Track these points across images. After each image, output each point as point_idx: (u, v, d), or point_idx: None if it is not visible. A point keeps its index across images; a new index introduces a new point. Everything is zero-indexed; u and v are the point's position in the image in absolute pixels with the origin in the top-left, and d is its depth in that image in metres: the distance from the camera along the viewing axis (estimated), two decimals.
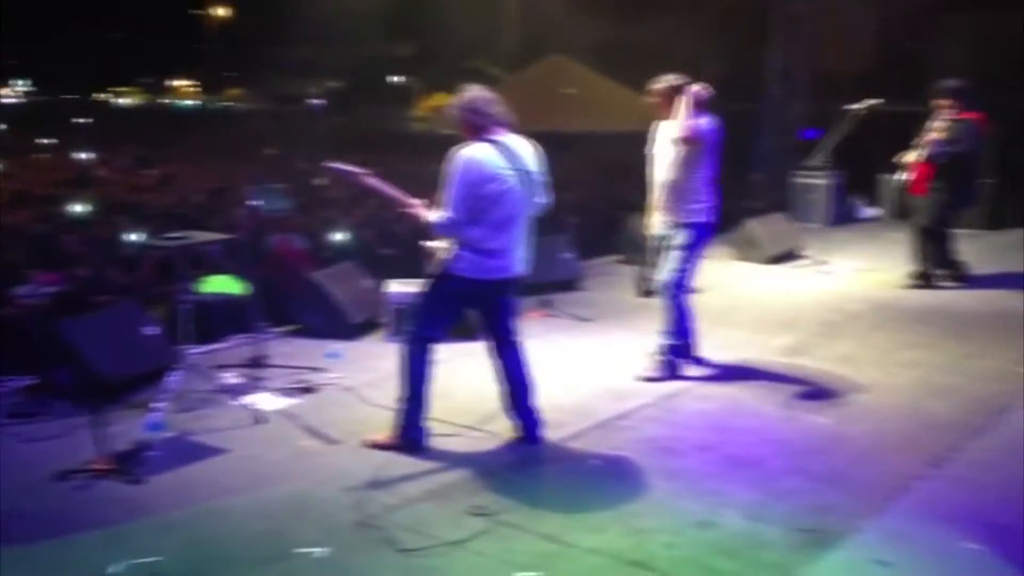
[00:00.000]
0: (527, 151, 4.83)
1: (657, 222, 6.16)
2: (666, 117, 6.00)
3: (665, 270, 6.05)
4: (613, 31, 19.99)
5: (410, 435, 4.92)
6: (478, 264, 4.73)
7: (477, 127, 4.71)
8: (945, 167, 8.42)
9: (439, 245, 4.84)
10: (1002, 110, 11.61)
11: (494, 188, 4.63)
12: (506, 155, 4.68)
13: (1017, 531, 4.02)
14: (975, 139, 8.49)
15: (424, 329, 4.90)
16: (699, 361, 6.29)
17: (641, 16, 20.25)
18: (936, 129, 8.51)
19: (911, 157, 8.64)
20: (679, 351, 6.16)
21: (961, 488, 4.48)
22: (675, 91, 5.91)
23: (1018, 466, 4.72)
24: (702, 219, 6.00)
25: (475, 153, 4.65)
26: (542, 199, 4.94)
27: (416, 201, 4.86)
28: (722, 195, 6.20)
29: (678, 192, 5.97)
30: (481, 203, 4.64)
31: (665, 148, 6.02)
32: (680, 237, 5.99)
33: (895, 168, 9.07)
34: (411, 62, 42.99)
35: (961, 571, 3.73)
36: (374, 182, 4.94)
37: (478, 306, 5.06)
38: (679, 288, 6.04)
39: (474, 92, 4.79)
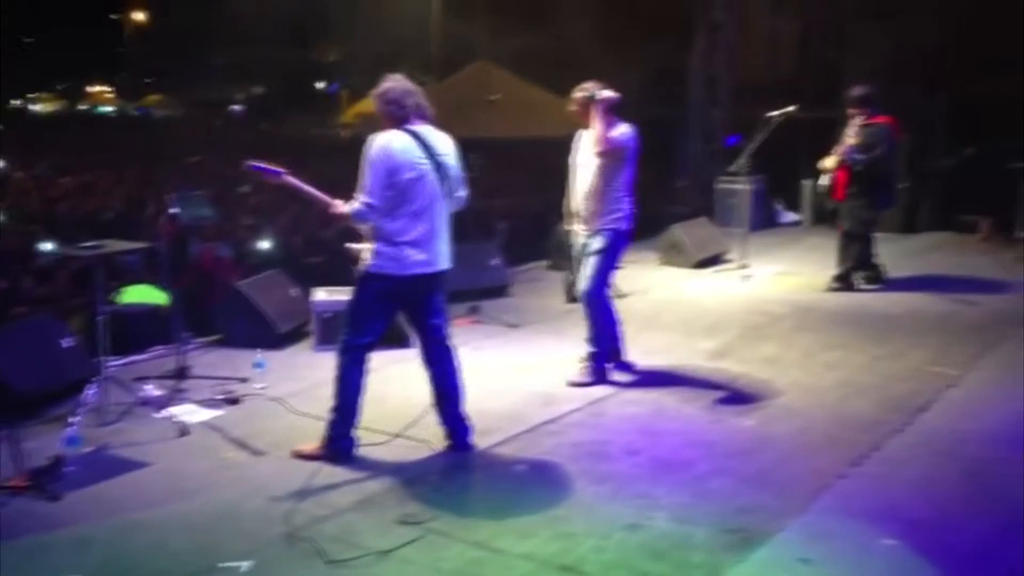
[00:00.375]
0: (444, 143, 4.85)
1: (577, 231, 6.21)
2: (587, 126, 6.06)
3: (585, 278, 6.10)
4: (539, 38, 20.12)
5: (338, 445, 4.87)
6: (397, 259, 4.70)
7: (396, 118, 4.73)
8: (863, 172, 8.63)
9: (363, 246, 4.81)
10: (914, 115, 11.96)
11: (408, 176, 4.64)
12: (422, 145, 4.70)
13: (930, 526, 4.14)
14: (889, 142, 8.71)
15: (355, 338, 4.84)
16: (625, 366, 6.35)
17: (566, 23, 20.41)
18: (850, 136, 8.72)
19: (830, 163, 8.84)
20: (605, 356, 6.21)
21: (879, 485, 4.59)
22: (592, 100, 5.99)
23: (931, 463, 4.86)
24: (619, 226, 6.07)
25: (391, 141, 4.67)
26: (462, 194, 4.95)
27: (337, 201, 4.81)
28: (642, 201, 6.28)
29: (597, 201, 6.03)
30: (396, 192, 4.63)
31: (586, 157, 6.08)
32: (597, 244, 6.05)
33: (816, 173, 9.27)
34: (337, 68, 42.71)
35: (878, 566, 3.82)
36: (295, 182, 4.88)
37: (404, 305, 5.01)
38: (600, 294, 6.10)
39: (393, 83, 4.80)
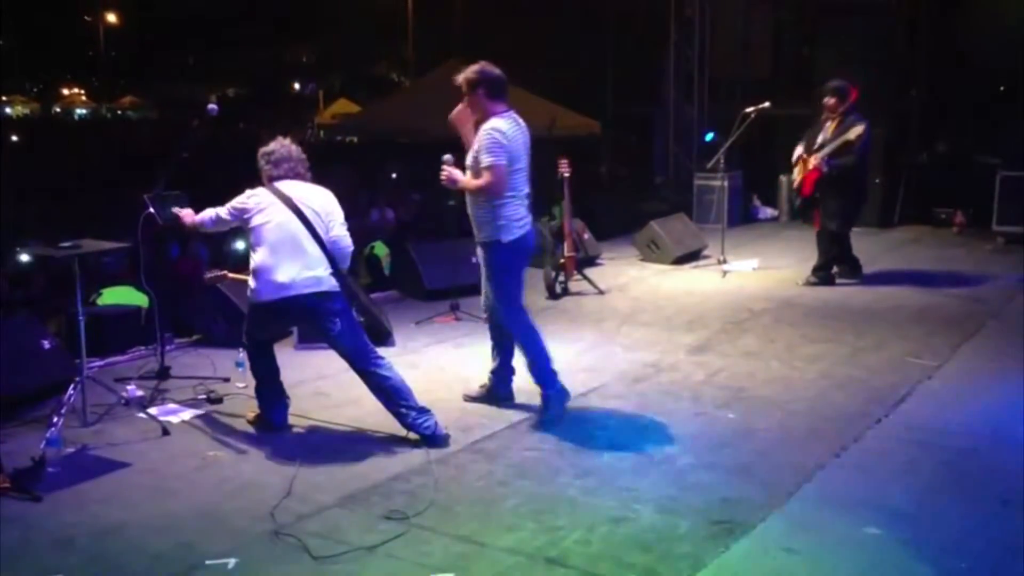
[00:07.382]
0: (313, 196, 5.24)
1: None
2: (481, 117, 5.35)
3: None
4: (515, 35, 20.12)
5: (269, 417, 5.33)
6: (256, 288, 5.16)
7: (269, 176, 5.30)
8: (841, 174, 8.59)
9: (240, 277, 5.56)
10: (887, 110, 12.05)
11: (259, 220, 5.14)
12: (282, 198, 5.16)
13: (911, 516, 4.17)
14: (864, 146, 8.70)
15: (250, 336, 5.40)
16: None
17: (542, 20, 20.42)
18: (842, 138, 8.62)
19: (803, 162, 8.79)
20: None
21: (861, 476, 4.63)
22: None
23: (912, 454, 4.90)
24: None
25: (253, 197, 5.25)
26: (336, 239, 5.20)
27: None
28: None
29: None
30: (253, 236, 5.19)
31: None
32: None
33: (790, 168, 9.29)
34: (313, 68, 42.56)
35: (861, 555, 3.85)
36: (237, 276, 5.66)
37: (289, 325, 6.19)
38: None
39: (277, 145, 5.37)
